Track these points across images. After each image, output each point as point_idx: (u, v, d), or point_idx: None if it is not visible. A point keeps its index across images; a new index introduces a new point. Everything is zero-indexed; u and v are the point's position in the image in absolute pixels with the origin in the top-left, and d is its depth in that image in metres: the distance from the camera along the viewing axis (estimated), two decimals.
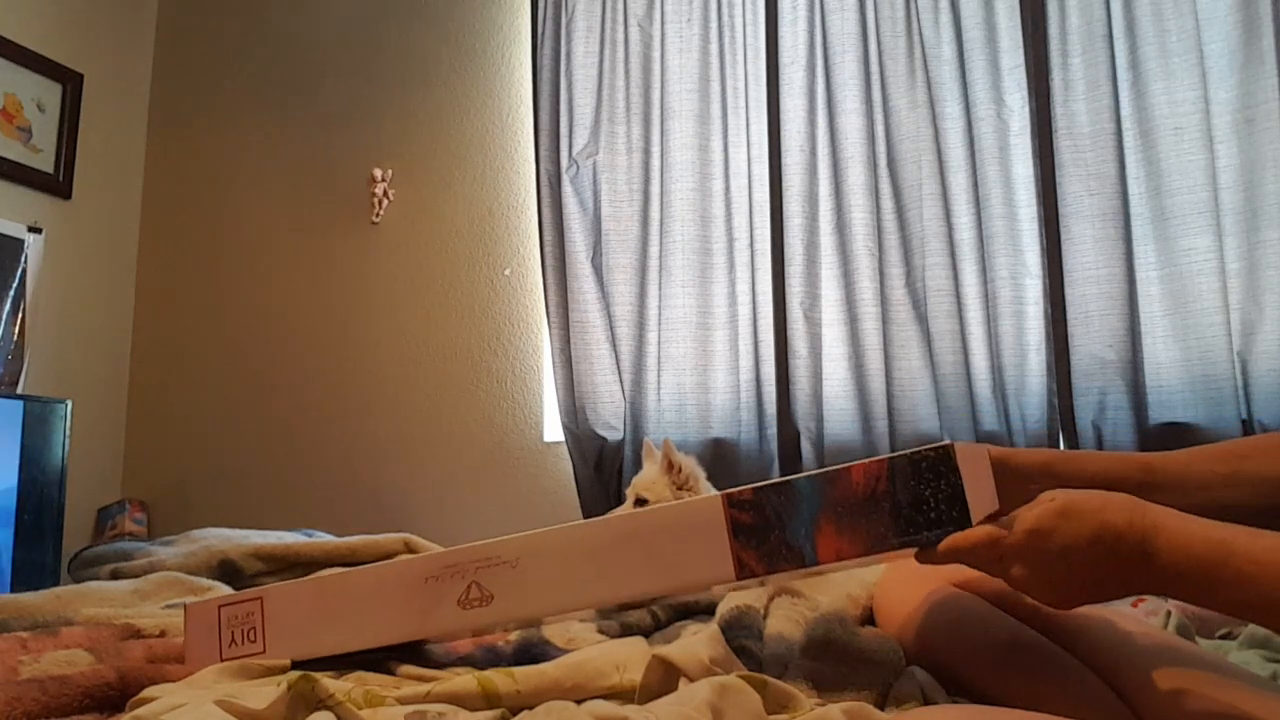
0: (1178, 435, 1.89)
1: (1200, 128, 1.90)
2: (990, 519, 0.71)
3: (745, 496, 0.78)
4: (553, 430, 2.42)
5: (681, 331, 2.24)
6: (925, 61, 2.12)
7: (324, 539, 1.59)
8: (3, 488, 2.10)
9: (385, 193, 2.62)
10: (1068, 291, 2.00)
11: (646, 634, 1.08)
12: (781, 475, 2.15)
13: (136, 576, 1.35)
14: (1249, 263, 1.88)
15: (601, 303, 2.29)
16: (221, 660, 0.87)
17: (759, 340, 2.21)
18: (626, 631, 1.07)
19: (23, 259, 2.50)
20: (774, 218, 2.23)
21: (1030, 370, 2.03)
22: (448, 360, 2.55)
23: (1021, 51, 2.07)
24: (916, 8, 2.14)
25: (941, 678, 0.83)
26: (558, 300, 2.32)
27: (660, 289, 2.25)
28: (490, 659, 0.96)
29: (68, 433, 2.25)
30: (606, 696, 0.76)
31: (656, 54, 2.31)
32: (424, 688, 0.76)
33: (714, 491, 1.74)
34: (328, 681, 0.70)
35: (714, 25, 2.29)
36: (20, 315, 2.49)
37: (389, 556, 1.44)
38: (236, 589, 1.33)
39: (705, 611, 1.16)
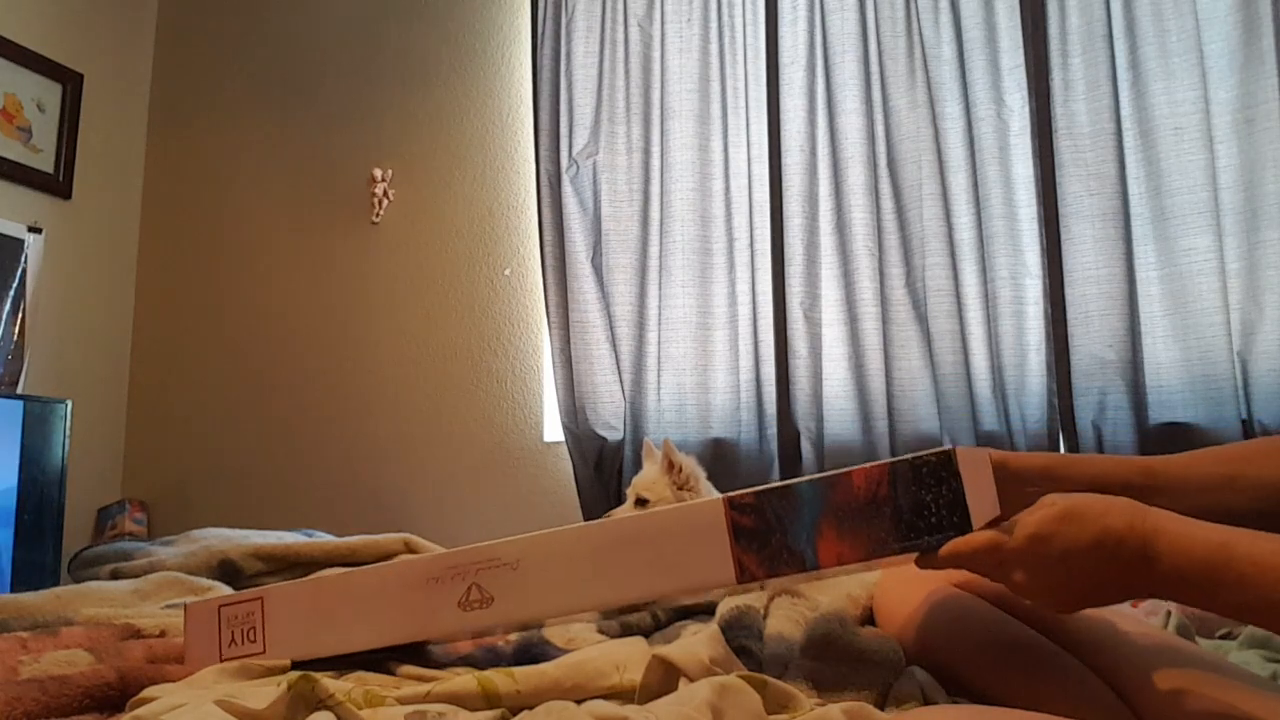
0: (1178, 435, 1.89)
1: (1200, 128, 1.90)
2: (991, 524, 0.71)
3: (746, 500, 0.78)
4: (553, 430, 2.42)
5: (681, 331, 2.24)
6: (925, 61, 2.12)
7: (324, 539, 1.59)
8: (3, 488, 2.10)
9: (385, 193, 2.62)
10: (1068, 291, 2.00)
11: (646, 634, 1.08)
12: (781, 475, 2.15)
13: (136, 576, 1.35)
14: (1249, 263, 1.88)
15: (601, 303, 2.29)
16: (221, 660, 0.87)
17: (759, 340, 2.21)
18: (626, 631, 1.07)
19: (23, 259, 2.50)
20: (774, 218, 2.23)
21: (1030, 370, 2.03)
22: (448, 360, 2.55)
23: (1021, 51, 2.07)
24: (916, 8, 2.14)
25: (941, 678, 0.83)
26: (558, 300, 2.32)
27: (660, 289, 2.25)
28: (490, 659, 0.96)
29: (68, 433, 2.25)
30: (606, 696, 0.76)
31: (656, 54, 2.31)
32: (424, 688, 0.76)
33: (714, 491, 1.76)
34: (328, 681, 0.70)
35: (714, 25, 2.29)
36: (20, 315, 2.49)
37: (389, 556, 1.44)
38: (236, 589, 1.33)
39: (705, 612, 1.16)
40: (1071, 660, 0.78)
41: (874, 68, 2.16)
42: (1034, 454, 0.84)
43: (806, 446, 2.14)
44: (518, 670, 0.78)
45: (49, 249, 2.58)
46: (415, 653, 0.93)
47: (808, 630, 0.91)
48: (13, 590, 1.74)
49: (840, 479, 0.76)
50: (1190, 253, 1.90)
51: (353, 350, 2.64)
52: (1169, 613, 1.01)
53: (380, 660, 0.89)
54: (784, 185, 2.20)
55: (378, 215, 2.63)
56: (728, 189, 2.26)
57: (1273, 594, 0.59)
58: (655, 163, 2.28)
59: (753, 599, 1.01)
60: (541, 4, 2.40)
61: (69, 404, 2.27)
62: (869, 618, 1.01)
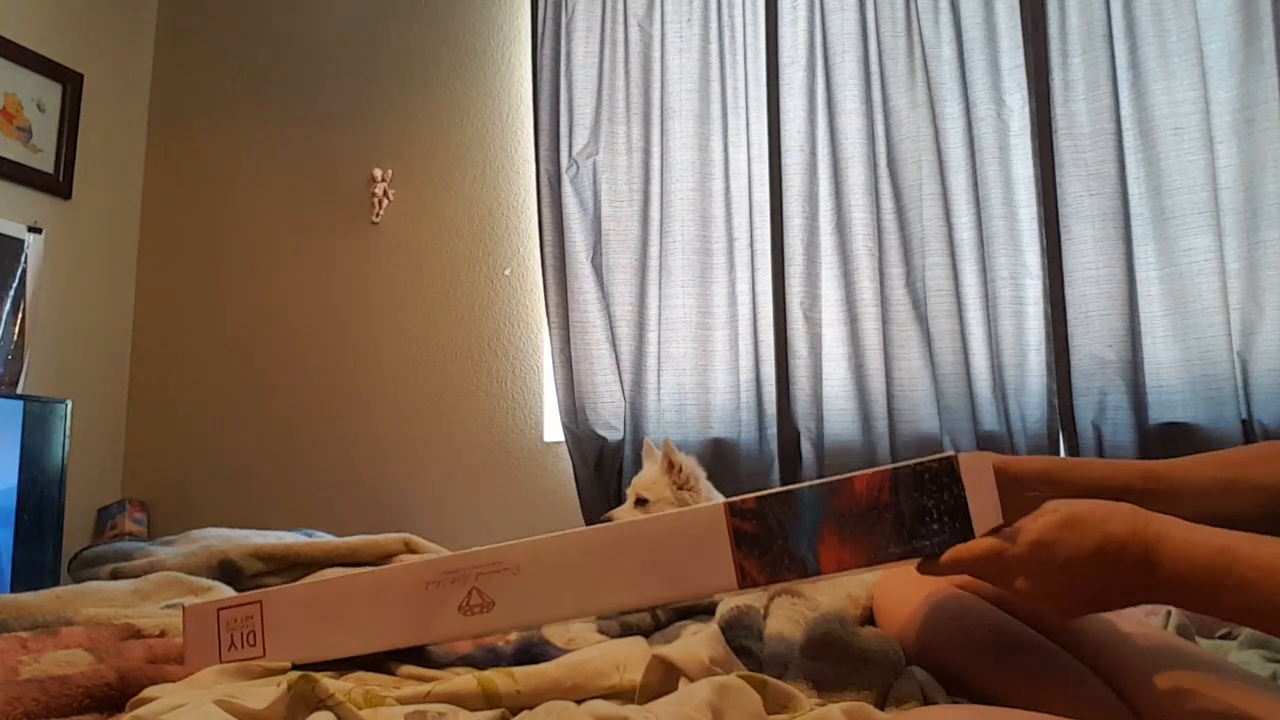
0: (1178, 435, 1.89)
1: (1200, 128, 1.90)
2: (993, 531, 0.71)
3: (748, 505, 0.78)
4: (553, 430, 2.42)
5: (681, 331, 2.24)
6: (925, 61, 2.12)
7: (324, 539, 1.59)
8: (3, 488, 2.10)
9: (385, 193, 2.62)
10: (1068, 291, 2.00)
11: (646, 634, 1.08)
12: (782, 474, 2.15)
13: (136, 576, 1.34)
14: (1249, 263, 1.88)
15: (601, 303, 2.29)
16: (221, 663, 0.87)
17: (759, 340, 2.21)
18: (626, 631, 1.07)
19: (23, 259, 2.50)
20: (774, 218, 2.23)
21: (1030, 370, 2.03)
22: (448, 360, 2.55)
23: (1021, 51, 2.07)
24: (916, 8, 2.14)
25: (941, 678, 0.83)
26: (558, 300, 2.32)
27: (660, 289, 2.25)
28: (490, 659, 0.96)
29: (68, 433, 2.25)
30: (606, 696, 0.76)
31: (656, 54, 2.31)
32: (424, 688, 0.76)
33: (714, 491, 1.76)
34: (328, 681, 0.70)
35: (714, 25, 2.29)
36: (20, 315, 2.49)
37: (389, 556, 1.44)
38: (237, 589, 1.34)
39: (705, 612, 1.16)
40: (1071, 660, 0.78)
41: (874, 68, 2.16)
42: (1033, 458, 0.84)
43: (806, 446, 2.14)
44: (518, 670, 0.78)
45: (49, 249, 2.58)
46: (415, 652, 0.93)
47: (808, 630, 0.91)
48: (13, 590, 1.74)
49: (842, 485, 0.76)
50: (1190, 253, 1.90)
51: (353, 350, 2.64)
52: (1169, 613, 1.01)
53: (380, 660, 0.89)
54: (784, 185, 2.20)
55: (378, 215, 2.63)
56: (728, 189, 2.26)
57: (1275, 597, 0.59)
58: (655, 163, 2.28)
59: (753, 599, 1.01)
60: (541, 4, 2.40)
61: (69, 404, 2.27)
62: (869, 618, 1.01)
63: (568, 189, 2.32)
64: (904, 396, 2.08)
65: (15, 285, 2.48)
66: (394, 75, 2.69)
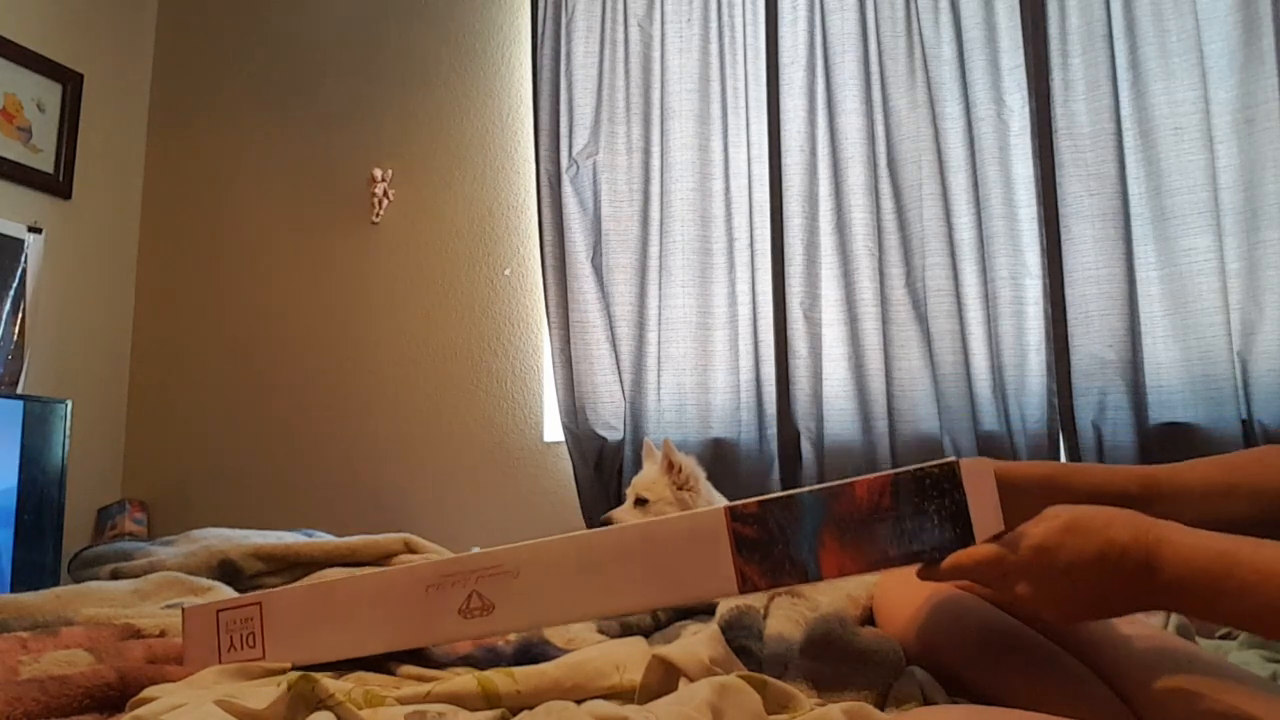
0: (1178, 435, 1.89)
1: (1200, 128, 1.90)
2: (994, 537, 0.71)
3: (748, 510, 0.78)
4: (553, 430, 2.42)
5: (681, 331, 2.24)
6: (925, 61, 2.12)
7: (324, 539, 1.59)
8: (3, 488, 2.10)
9: (385, 193, 2.62)
10: (1068, 291, 2.00)
11: (646, 634, 1.08)
12: (782, 475, 2.15)
13: (136, 576, 1.34)
14: (1249, 263, 1.88)
15: (601, 303, 2.29)
16: (220, 664, 0.87)
17: (759, 340, 2.21)
18: (626, 631, 1.07)
19: (23, 259, 2.50)
20: (774, 218, 2.23)
21: (1030, 370, 2.03)
22: (448, 360, 2.55)
23: (1021, 51, 2.07)
24: (916, 8, 2.14)
25: (941, 678, 0.82)
26: (558, 300, 2.32)
27: (660, 289, 2.25)
28: (490, 659, 0.96)
29: (68, 433, 2.25)
30: (606, 696, 0.76)
31: (656, 54, 2.31)
32: (424, 688, 0.76)
33: (714, 491, 1.75)
34: (328, 681, 0.70)
35: (714, 25, 2.29)
36: (20, 315, 2.49)
37: (389, 556, 1.44)
38: (237, 589, 1.33)
39: (705, 612, 1.15)
40: (1071, 660, 0.77)
41: (874, 68, 2.16)
42: (1033, 464, 0.84)
43: (806, 446, 2.14)
44: (518, 670, 0.78)
45: (49, 249, 2.58)
46: (415, 652, 0.93)
47: (808, 630, 0.91)
48: (13, 590, 1.74)
49: (843, 489, 0.76)
50: (1190, 253, 1.90)
51: (353, 350, 2.64)
52: (1169, 613, 1.01)
53: (380, 660, 0.89)
54: (784, 185, 2.20)
55: (378, 215, 2.63)
56: (728, 189, 2.26)
57: (1275, 601, 0.59)
58: (655, 163, 2.28)
59: (753, 599, 1.01)
60: (541, 4, 2.40)
61: (69, 404, 2.27)
62: (869, 618, 1.01)
63: (568, 189, 2.32)
64: (904, 396, 2.08)
65: (15, 285, 2.48)
66: (394, 75, 2.69)
